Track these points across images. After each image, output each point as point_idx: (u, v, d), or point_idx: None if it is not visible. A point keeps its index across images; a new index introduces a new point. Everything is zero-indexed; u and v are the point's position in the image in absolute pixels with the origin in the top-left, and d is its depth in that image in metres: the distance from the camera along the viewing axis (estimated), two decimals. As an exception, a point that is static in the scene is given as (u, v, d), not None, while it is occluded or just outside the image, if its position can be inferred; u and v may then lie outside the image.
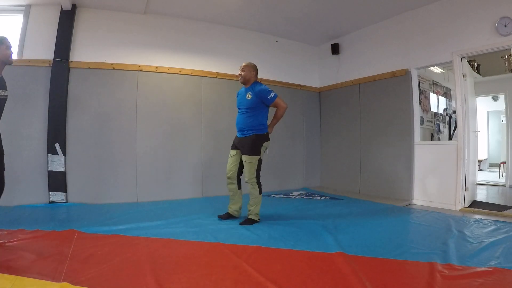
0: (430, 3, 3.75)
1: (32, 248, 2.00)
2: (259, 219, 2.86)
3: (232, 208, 3.01)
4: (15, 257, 1.84)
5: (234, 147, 2.96)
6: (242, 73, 2.90)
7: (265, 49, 4.94)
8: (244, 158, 2.83)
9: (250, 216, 2.84)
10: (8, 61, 2.27)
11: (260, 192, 2.87)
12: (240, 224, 2.77)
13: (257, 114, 2.85)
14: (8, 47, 2.26)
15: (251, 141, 2.80)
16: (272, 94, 2.83)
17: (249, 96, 2.85)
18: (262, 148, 2.87)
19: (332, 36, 5.03)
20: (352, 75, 4.79)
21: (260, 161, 2.85)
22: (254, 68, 2.94)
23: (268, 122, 2.99)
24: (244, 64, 2.94)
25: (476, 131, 3.96)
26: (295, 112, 5.08)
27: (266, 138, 2.90)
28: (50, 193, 3.50)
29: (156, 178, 4.03)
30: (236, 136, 2.98)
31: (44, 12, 3.61)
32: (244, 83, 2.94)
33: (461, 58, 3.57)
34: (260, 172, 2.89)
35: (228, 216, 2.98)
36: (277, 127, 5.14)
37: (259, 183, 2.86)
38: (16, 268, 1.68)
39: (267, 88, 2.87)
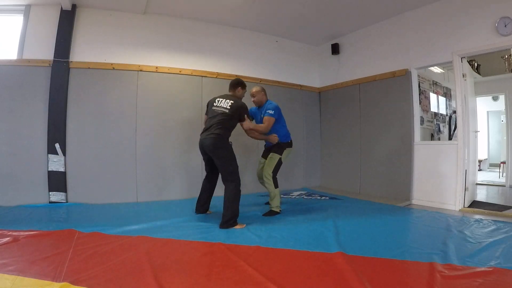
0: (430, 3, 3.75)
1: (32, 248, 2.00)
2: (280, 211, 3.21)
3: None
4: (15, 257, 1.84)
5: (264, 155, 3.42)
6: (254, 98, 3.25)
7: (265, 49, 4.94)
8: (270, 154, 3.25)
9: (272, 208, 3.19)
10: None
11: (276, 187, 3.20)
12: (263, 215, 3.12)
13: (276, 128, 3.21)
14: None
15: (276, 145, 3.25)
16: (271, 112, 3.11)
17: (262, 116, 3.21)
18: (285, 152, 3.28)
19: (332, 36, 5.03)
20: (352, 75, 4.79)
21: (279, 162, 3.24)
22: (262, 90, 3.28)
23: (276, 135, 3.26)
24: (253, 90, 3.26)
25: (476, 131, 3.96)
26: (295, 112, 5.08)
27: (289, 145, 3.36)
28: (50, 193, 3.50)
29: (156, 178, 4.03)
30: (264, 145, 3.48)
31: (44, 12, 3.62)
32: (259, 106, 3.32)
33: (461, 58, 3.57)
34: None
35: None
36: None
37: (274, 179, 3.21)
38: (16, 268, 1.68)
39: (274, 107, 3.16)
